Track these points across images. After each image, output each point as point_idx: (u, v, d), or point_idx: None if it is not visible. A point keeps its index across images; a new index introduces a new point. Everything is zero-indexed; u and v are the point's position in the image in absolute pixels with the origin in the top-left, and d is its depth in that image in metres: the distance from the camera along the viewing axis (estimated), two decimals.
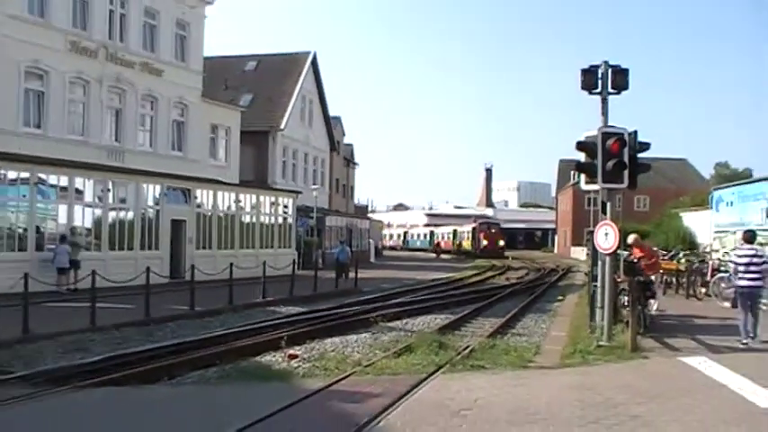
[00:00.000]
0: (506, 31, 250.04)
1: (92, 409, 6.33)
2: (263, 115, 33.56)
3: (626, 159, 9.21)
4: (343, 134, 47.34)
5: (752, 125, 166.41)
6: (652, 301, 11.51)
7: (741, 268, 9.67)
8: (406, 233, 77.83)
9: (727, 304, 13.83)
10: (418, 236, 73.29)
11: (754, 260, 9.59)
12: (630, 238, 11.83)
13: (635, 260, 11.30)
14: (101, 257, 17.98)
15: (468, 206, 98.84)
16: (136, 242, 19.80)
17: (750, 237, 10.26)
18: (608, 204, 9.75)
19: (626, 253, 11.22)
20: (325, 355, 9.66)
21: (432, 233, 67.73)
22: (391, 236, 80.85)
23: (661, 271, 14.75)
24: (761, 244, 16.42)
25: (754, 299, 9.69)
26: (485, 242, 52.40)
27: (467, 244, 56.95)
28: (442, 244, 61.76)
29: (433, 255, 57.47)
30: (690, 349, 8.98)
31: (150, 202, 20.88)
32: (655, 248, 16.46)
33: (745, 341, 9.38)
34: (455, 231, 61.04)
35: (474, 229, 55.09)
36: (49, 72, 19.28)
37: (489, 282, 27.35)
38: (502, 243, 52.59)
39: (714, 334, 10.22)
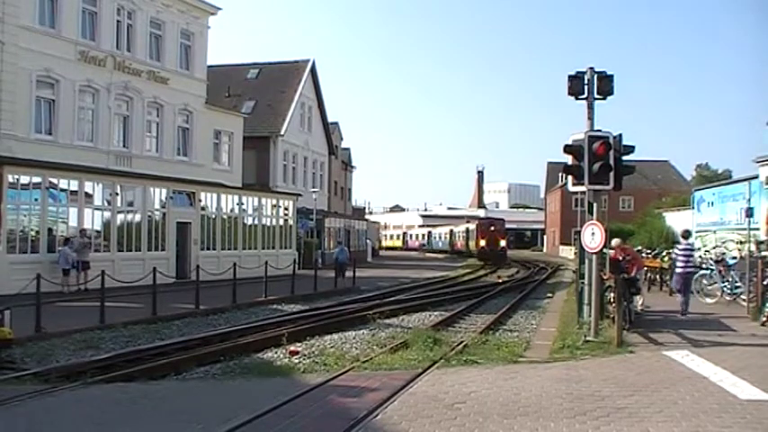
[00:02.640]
0: (497, 38, 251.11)
1: (102, 404, 6.45)
2: (265, 121, 34.02)
3: (611, 162, 9.30)
4: (341, 139, 47.71)
5: (732, 127, 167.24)
6: (637, 297, 11.77)
7: (682, 259, 12.05)
8: (430, 233, 73.33)
9: (710, 300, 14.19)
10: (439, 236, 68.91)
11: (692, 252, 12.52)
12: (614, 242, 12.18)
13: (620, 258, 11.65)
14: (110, 258, 18.38)
15: (461, 207, 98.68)
16: (143, 244, 20.16)
17: (687, 234, 12.98)
18: (594, 205, 9.89)
19: (611, 252, 11.91)
20: (325, 352, 9.87)
21: (452, 232, 63.90)
22: (416, 236, 77.46)
23: (645, 268, 15.24)
24: (741, 242, 16.96)
25: (689, 281, 12.61)
26: (482, 242, 44.73)
27: (463, 244, 53.26)
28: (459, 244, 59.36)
29: (436, 254, 57.41)
30: (673, 343, 9.15)
31: (157, 205, 21.22)
32: (638, 249, 16.86)
33: (684, 315, 11.79)
34: (467, 230, 57.27)
35: (476, 227, 49.01)
36: (60, 81, 19.64)
37: (481, 280, 27.59)
38: (503, 243, 44.77)
39: (696, 329, 10.37)
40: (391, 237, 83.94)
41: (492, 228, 45.68)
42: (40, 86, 19.31)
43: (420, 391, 6.60)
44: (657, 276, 17.99)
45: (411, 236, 79.79)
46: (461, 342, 10.06)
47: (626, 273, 10.91)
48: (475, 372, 7.66)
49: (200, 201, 22.74)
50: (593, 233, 9.46)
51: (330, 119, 42.07)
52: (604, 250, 10.46)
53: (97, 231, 18.94)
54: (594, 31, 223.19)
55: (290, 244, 27.48)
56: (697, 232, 23.29)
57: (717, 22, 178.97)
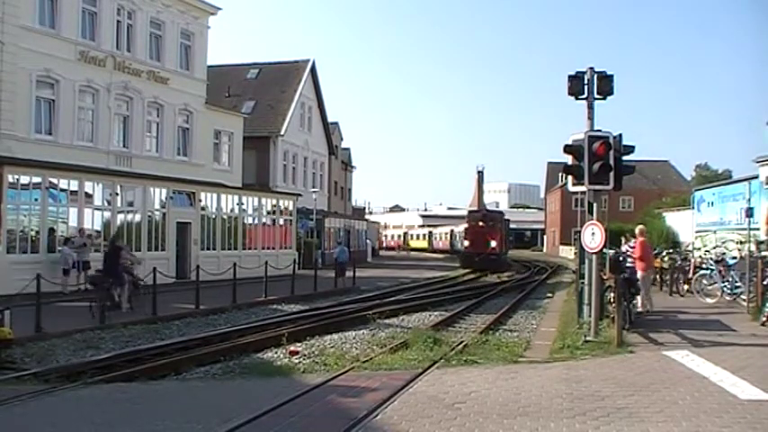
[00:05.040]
0: (497, 38, 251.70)
1: (102, 404, 6.47)
2: (265, 121, 34.05)
3: (611, 162, 9.30)
4: (341, 139, 47.75)
5: (732, 127, 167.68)
6: (638, 297, 11.83)
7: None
8: (452, 232, 67.21)
9: (710, 300, 14.20)
10: (460, 234, 66.55)
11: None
12: (638, 229, 12.85)
13: (621, 258, 11.67)
14: None
15: (461, 207, 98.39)
16: (143, 244, 20.14)
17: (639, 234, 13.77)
18: (594, 205, 9.90)
19: (633, 242, 12.26)
20: (325, 352, 9.89)
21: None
22: (440, 236, 72.82)
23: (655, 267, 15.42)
24: (741, 242, 17.00)
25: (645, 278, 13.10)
26: (466, 242, 33.68)
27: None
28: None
29: (432, 254, 56.91)
30: (673, 343, 9.15)
31: (157, 205, 21.22)
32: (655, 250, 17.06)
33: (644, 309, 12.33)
34: None
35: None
36: (60, 81, 19.64)
37: (481, 280, 27.50)
38: (494, 244, 32.28)
39: (696, 328, 10.39)
40: (417, 237, 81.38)
41: (481, 223, 33.75)
42: (40, 86, 19.32)
43: (420, 391, 6.60)
44: (657, 276, 18.02)
45: (436, 236, 75.35)
46: (461, 342, 10.07)
47: (626, 271, 10.94)
48: (475, 372, 7.65)
49: (200, 201, 22.74)
50: (593, 233, 9.45)
51: (330, 119, 42.13)
52: (604, 250, 10.46)
53: (97, 231, 18.92)
54: (594, 31, 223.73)
55: (290, 244, 27.49)
56: (697, 232, 23.37)
57: (716, 21, 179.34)
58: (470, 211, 39.85)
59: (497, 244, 32.71)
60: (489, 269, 30.41)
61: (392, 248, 75.43)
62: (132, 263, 14.49)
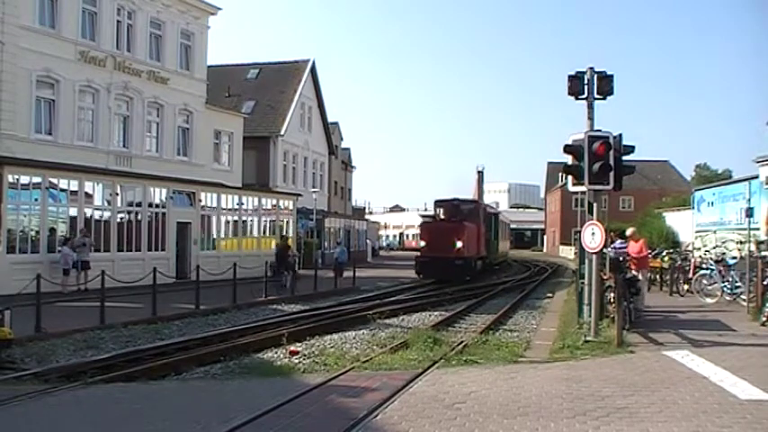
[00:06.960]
0: (497, 39, 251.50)
1: (102, 404, 6.48)
2: (265, 121, 34.08)
3: (611, 162, 9.30)
4: (341, 139, 47.76)
5: (732, 127, 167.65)
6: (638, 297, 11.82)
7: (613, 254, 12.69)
8: None
9: (710, 300, 14.22)
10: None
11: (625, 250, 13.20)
12: (629, 231, 13.09)
13: (620, 258, 11.69)
14: (110, 258, 18.37)
15: None
16: (143, 243, 20.16)
17: (621, 234, 14.44)
18: (594, 205, 9.90)
19: (618, 242, 12.28)
20: (325, 352, 9.88)
21: None
22: None
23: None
24: (741, 242, 17.05)
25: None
26: (422, 243, 24.87)
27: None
28: None
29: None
30: (673, 343, 9.15)
31: (157, 205, 21.34)
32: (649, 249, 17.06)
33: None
34: None
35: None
36: (60, 81, 19.65)
37: (481, 280, 27.69)
38: (460, 245, 23.17)
39: (696, 328, 10.40)
40: None
41: (443, 217, 25.38)
42: (40, 86, 19.32)
43: (420, 391, 6.61)
44: (658, 276, 18.04)
45: None
46: (461, 342, 10.07)
47: (627, 271, 10.95)
48: (475, 372, 7.67)
49: (200, 200, 22.75)
50: (593, 233, 9.46)
51: (330, 119, 42.13)
52: (605, 250, 10.46)
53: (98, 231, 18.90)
54: (594, 31, 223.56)
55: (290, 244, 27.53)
56: (697, 232, 23.40)
57: (716, 21, 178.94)
58: (437, 201, 27.28)
59: (465, 245, 23.35)
60: (452, 279, 22.17)
61: (415, 249, 75.69)
62: (294, 256, 19.61)
